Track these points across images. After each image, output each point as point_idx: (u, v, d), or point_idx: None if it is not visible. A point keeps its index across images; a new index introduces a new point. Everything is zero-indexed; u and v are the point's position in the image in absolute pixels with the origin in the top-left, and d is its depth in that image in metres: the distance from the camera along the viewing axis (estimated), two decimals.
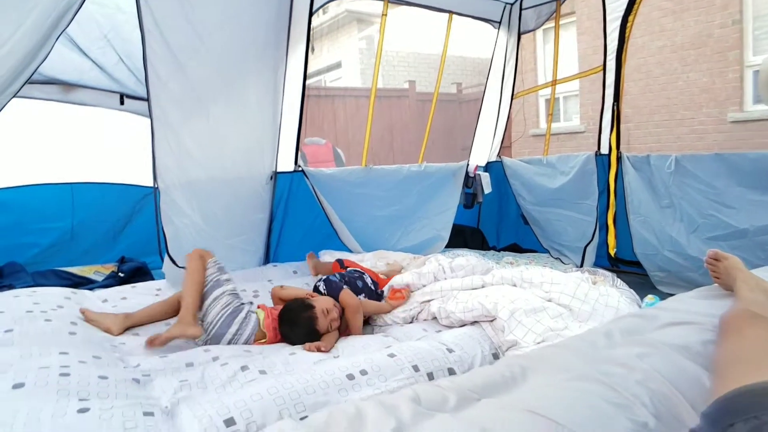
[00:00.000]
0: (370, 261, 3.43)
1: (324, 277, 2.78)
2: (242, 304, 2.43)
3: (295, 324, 2.32)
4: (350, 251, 3.80)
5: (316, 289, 2.71)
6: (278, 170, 3.68)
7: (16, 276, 3.26)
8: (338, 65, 12.85)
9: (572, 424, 0.95)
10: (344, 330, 2.51)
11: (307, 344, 2.19)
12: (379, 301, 2.76)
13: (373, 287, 2.84)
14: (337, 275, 2.82)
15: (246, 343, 2.30)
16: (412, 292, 2.77)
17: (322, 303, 2.41)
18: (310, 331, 2.30)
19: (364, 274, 2.92)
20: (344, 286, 2.62)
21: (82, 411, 1.42)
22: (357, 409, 1.00)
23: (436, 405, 1.04)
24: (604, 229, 3.89)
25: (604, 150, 3.95)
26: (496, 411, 1.01)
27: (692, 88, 6.76)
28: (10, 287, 2.91)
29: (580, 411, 1.00)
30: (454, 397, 1.07)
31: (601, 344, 1.35)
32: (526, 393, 1.10)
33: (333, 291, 2.58)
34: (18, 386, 1.54)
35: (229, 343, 2.28)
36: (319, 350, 2.15)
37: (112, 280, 3.42)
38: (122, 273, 3.55)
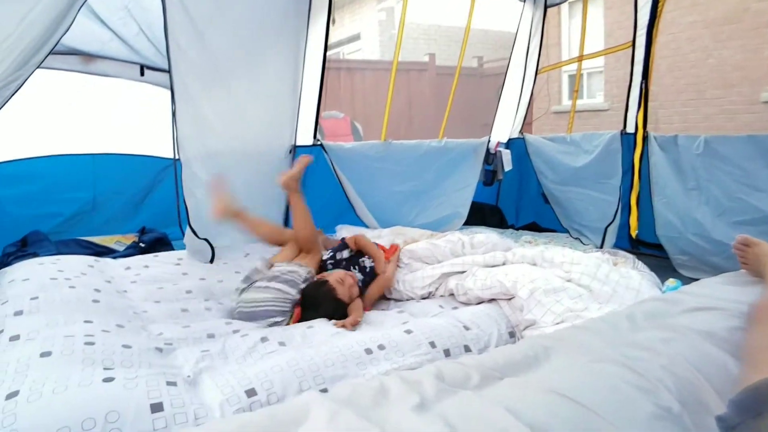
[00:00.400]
0: (387, 237, 3.42)
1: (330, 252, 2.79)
2: (286, 312, 2.32)
3: (318, 304, 2.31)
4: (367, 227, 3.80)
5: (324, 264, 2.72)
6: (297, 144, 3.68)
7: (40, 244, 3.30)
8: (357, 37, 12.71)
9: (595, 406, 0.94)
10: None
11: (338, 323, 2.16)
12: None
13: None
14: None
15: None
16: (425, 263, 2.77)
17: (334, 275, 2.43)
18: (336, 304, 2.30)
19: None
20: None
21: (107, 380, 1.45)
22: (381, 383, 1.01)
23: (458, 382, 1.04)
24: (626, 210, 3.83)
25: (630, 129, 3.87)
26: (519, 390, 1.00)
27: (724, 66, 6.50)
28: (35, 255, 2.94)
29: (603, 393, 0.99)
30: (477, 375, 1.07)
31: (623, 327, 1.34)
32: (549, 373, 1.09)
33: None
34: (45, 354, 1.58)
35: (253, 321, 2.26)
36: (353, 325, 2.14)
37: (133, 250, 3.45)
38: (143, 243, 3.58)
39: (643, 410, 0.96)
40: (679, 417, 0.95)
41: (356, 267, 2.68)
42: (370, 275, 2.67)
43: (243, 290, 2.36)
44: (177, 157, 2.86)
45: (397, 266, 2.76)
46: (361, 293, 2.52)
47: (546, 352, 1.18)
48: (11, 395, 1.35)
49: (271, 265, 2.54)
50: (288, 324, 2.28)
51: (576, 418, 0.92)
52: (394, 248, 2.89)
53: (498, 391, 1.00)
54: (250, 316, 2.25)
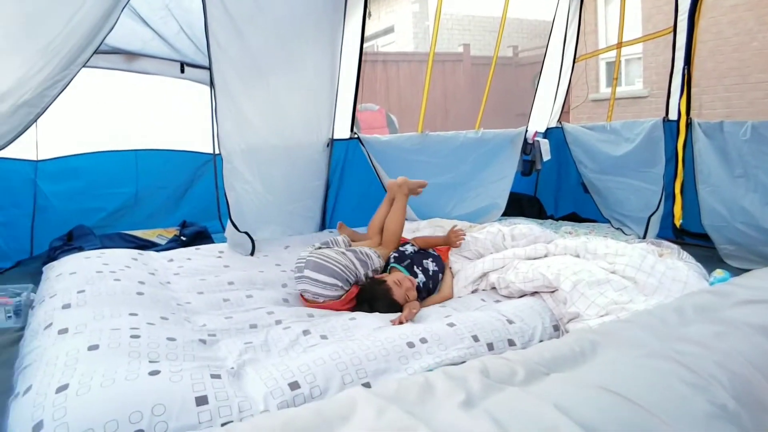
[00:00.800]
0: (426, 230, 3.40)
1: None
2: (347, 283, 2.41)
3: (374, 299, 2.32)
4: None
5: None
6: (335, 137, 3.69)
7: (85, 238, 3.39)
8: (391, 29, 12.65)
9: (648, 404, 0.92)
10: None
11: (394, 320, 2.14)
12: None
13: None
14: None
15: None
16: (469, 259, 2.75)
17: (393, 276, 2.43)
18: (390, 303, 2.30)
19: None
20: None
21: (153, 373, 1.48)
22: (426, 379, 1.00)
23: (504, 378, 1.03)
24: (669, 199, 3.73)
25: (672, 116, 3.76)
26: (568, 387, 0.98)
27: None
28: (80, 249, 3.04)
29: (656, 391, 0.96)
30: (522, 370, 1.05)
31: (672, 321, 1.30)
32: (598, 369, 1.07)
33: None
34: (93, 347, 1.62)
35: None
36: (407, 318, 2.14)
37: (175, 244, 3.51)
38: (184, 237, 3.64)
39: (697, 408, 0.93)
40: (736, 416, 0.91)
41: (420, 267, 2.64)
42: (432, 279, 2.63)
43: (320, 247, 2.52)
44: (217, 152, 2.89)
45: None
46: (420, 294, 2.49)
47: (593, 347, 1.16)
48: (61, 388, 1.38)
49: (350, 245, 2.68)
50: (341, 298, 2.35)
51: (628, 416, 0.89)
52: (446, 251, 2.85)
53: (545, 388, 0.99)
54: (319, 267, 2.33)
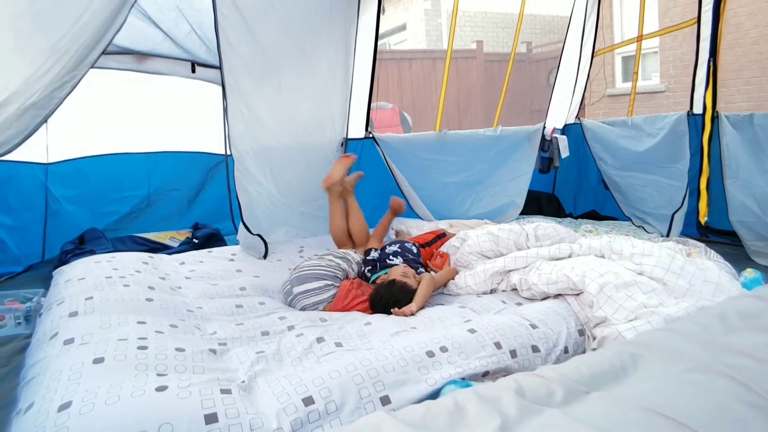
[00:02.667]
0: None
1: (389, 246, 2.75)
2: (337, 278, 2.50)
3: (395, 298, 2.28)
4: (421, 219, 3.71)
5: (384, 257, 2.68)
6: (349, 137, 3.62)
7: (97, 242, 3.37)
8: (403, 27, 12.59)
9: (702, 427, 0.83)
10: None
11: (397, 311, 2.19)
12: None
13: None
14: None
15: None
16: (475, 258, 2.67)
17: (397, 270, 2.44)
18: (411, 294, 2.31)
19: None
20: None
21: (160, 389, 1.41)
22: (455, 402, 0.91)
23: (541, 398, 0.94)
24: (693, 195, 3.62)
25: (697, 109, 3.65)
26: (612, 408, 0.89)
27: None
28: (92, 252, 3.01)
29: (710, 411, 0.87)
30: (561, 389, 0.96)
31: (716, 329, 1.20)
32: (642, 387, 0.98)
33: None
34: (98, 360, 1.56)
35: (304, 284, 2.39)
36: (412, 313, 2.17)
37: (187, 246, 3.49)
38: (196, 239, 3.61)
39: (757, 431, 0.84)
40: None
41: (388, 258, 2.67)
42: (408, 251, 2.72)
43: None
44: (229, 153, 2.84)
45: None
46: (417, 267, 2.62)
47: (634, 361, 1.06)
48: (64, 407, 1.32)
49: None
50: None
51: None
52: (446, 257, 2.80)
53: (587, 409, 0.90)
54: (302, 279, 2.42)
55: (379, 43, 3.56)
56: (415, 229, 3.44)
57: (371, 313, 2.28)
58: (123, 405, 1.33)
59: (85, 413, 1.30)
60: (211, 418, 1.34)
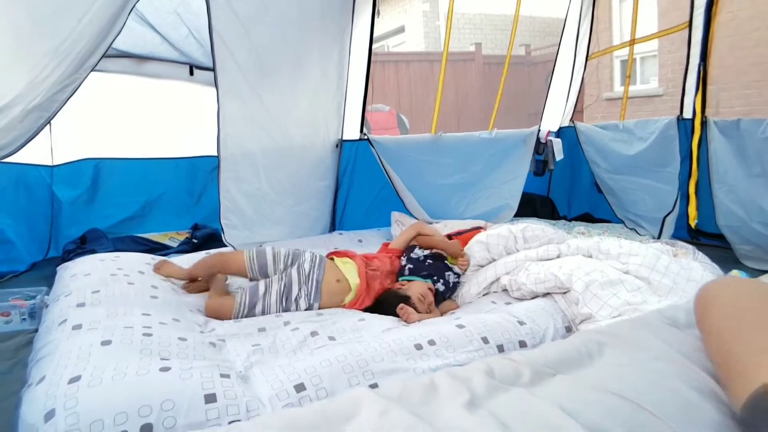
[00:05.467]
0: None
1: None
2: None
3: (394, 314, 2.30)
4: (417, 220, 3.78)
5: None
6: (344, 138, 3.68)
7: (99, 242, 3.43)
8: (401, 29, 12.66)
9: (655, 409, 0.89)
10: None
11: (404, 308, 2.22)
12: None
13: None
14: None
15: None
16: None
17: (417, 289, 2.40)
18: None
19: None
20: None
21: (164, 369, 1.50)
22: (431, 380, 0.99)
23: (509, 379, 1.01)
24: (684, 199, 3.68)
25: (687, 114, 3.70)
26: (574, 389, 0.97)
27: None
28: (93, 252, 3.07)
29: (663, 395, 0.94)
30: (528, 371, 1.04)
31: (682, 322, 1.27)
32: (604, 371, 1.05)
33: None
34: (106, 342, 1.65)
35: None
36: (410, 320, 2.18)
37: (186, 246, 3.55)
38: (196, 239, 3.66)
39: (704, 415, 0.91)
40: (747, 424, 0.89)
41: (441, 280, 2.60)
42: (452, 290, 2.63)
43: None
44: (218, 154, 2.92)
45: None
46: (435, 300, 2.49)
47: (600, 348, 1.13)
48: (73, 379, 1.41)
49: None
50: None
51: (635, 420, 0.87)
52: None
53: (551, 389, 0.97)
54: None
55: (378, 45, 3.62)
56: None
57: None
58: (128, 381, 1.43)
59: (93, 386, 1.39)
60: (210, 398, 1.42)
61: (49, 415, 1.31)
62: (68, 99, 2.18)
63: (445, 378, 0.99)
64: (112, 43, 2.24)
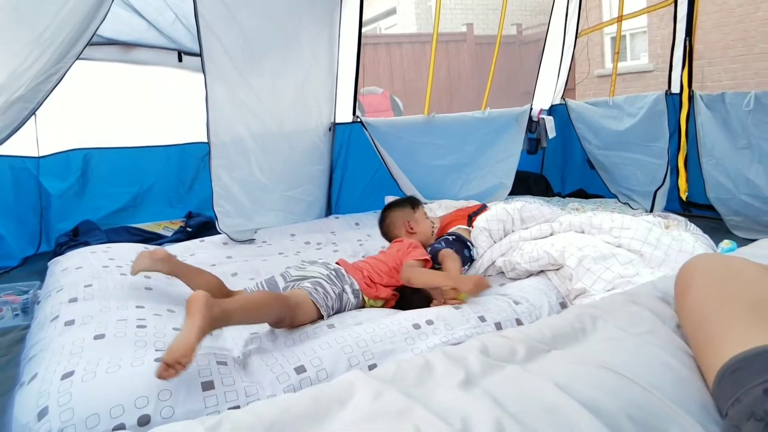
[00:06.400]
0: (440, 211, 3.38)
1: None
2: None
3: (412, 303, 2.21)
4: None
5: None
6: (337, 121, 3.67)
7: (92, 234, 3.40)
8: (393, 11, 12.57)
9: (648, 384, 0.91)
10: None
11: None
12: None
13: None
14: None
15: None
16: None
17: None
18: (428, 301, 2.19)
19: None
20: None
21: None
22: (425, 360, 0.99)
23: (504, 356, 1.02)
24: (674, 172, 3.71)
25: (675, 89, 3.73)
26: (569, 365, 0.97)
27: None
28: (86, 244, 3.02)
29: (656, 370, 0.95)
30: (523, 348, 1.04)
31: (672, 294, 1.29)
32: (598, 346, 1.06)
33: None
34: (99, 336, 1.63)
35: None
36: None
37: (181, 235, 3.53)
38: (190, 228, 3.65)
39: (694, 390, 0.92)
40: None
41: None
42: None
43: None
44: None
45: None
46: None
47: (593, 323, 1.14)
48: (66, 375, 1.39)
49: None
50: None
51: (629, 395, 0.88)
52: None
53: (546, 365, 0.98)
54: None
55: (370, 27, 3.60)
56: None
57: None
58: (123, 373, 1.40)
59: (87, 380, 1.37)
60: (207, 386, 1.41)
61: (43, 413, 1.28)
62: (53, 89, 2.14)
63: (440, 357, 1.00)
64: (96, 30, 2.19)
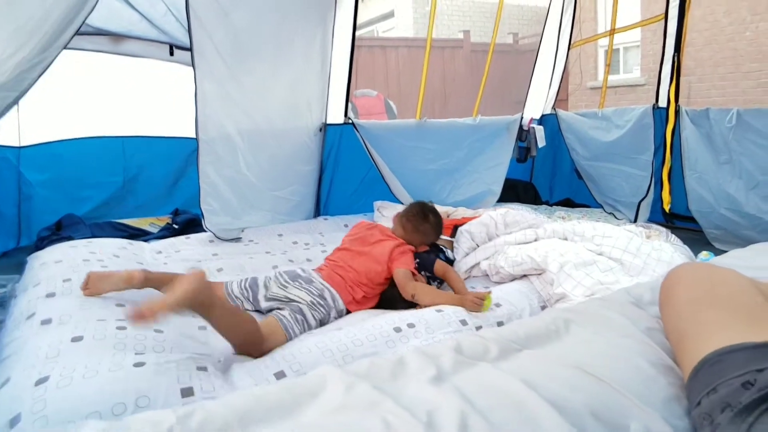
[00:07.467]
0: None
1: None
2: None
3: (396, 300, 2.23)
4: (402, 204, 3.79)
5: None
6: (328, 122, 3.68)
7: (75, 228, 3.34)
8: (391, 14, 12.60)
9: (615, 383, 0.93)
10: None
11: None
12: None
13: None
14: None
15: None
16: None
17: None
18: (405, 304, 2.19)
19: None
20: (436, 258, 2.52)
21: (138, 365, 1.44)
22: (399, 357, 1.01)
23: (477, 355, 1.04)
24: (659, 184, 3.77)
25: (663, 103, 3.79)
26: (539, 364, 1.00)
27: (761, 39, 6.40)
28: (69, 238, 2.96)
29: (623, 370, 0.98)
30: (496, 347, 1.07)
31: (646, 300, 1.32)
32: (570, 347, 1.08)
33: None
34: (77, 339, 1.57)
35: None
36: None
37: (167, 232, 3.49)
38: (176, 225, 3.62)
39: (659, 388, 0.95)
40: None
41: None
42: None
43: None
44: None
45: None
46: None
47: (567, 325, 1.17)
48: (41, 381, 1.34)
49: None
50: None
51: (595, 393, 0.90)
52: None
53: (516, 364, 1.00)
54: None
55: (367, 30, 3.61)
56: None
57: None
58: (100, 379, 1.36)
59: (62, 387, 1.32)
60: (187, 392, 1.38)
61: (15, 420, 1.23)
62: (38, 78, 2.08)
63: (414, 355, 1.01)
64: (85, 20, 2.15)
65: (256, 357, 1.69)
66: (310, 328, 1.97)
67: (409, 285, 2.18)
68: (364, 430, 0.77)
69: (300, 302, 2.02)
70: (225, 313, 1.70)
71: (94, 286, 1.92)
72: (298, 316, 1.95)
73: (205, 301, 1.58)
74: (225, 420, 0.82)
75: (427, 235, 2.59)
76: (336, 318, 2.11)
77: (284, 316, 1.92)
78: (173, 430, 0.79)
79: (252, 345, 1.73)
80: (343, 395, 0.87)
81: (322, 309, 2.05)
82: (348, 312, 2.17)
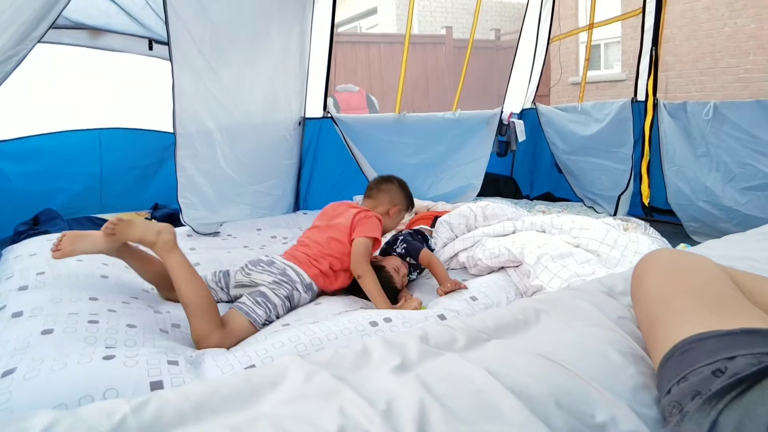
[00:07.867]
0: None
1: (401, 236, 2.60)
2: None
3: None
4: None
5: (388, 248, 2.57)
6: (307, 116, 3.66)
7: (52, 222, 3.32)
8: (374, 11, 12.58)
9: (581, 371, 0.93)
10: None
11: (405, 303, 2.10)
12: None
13: None
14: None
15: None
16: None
17: (391, 262, 2.33)
18: (389, 290, 2.19)
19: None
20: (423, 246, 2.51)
21: (107, 358, 1.42)
22: (364, 346, 1.00)
23: (443, 344, 1.03)
24: (638, 178, 3.79)
25: (641, 97, 3.82)
26: (504, 353, 0.99)
27: (739, 35, 6.50)
28: (46, 233, 2.94)
29: (591, 358, 0.97)
30: (463, 337, 1.06)
31: (618, 290, 1.32)
32: (536, 336, 1.08)
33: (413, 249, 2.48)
34: (47, 332, 1.55)
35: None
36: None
37: None
38: (155, 219, 3.61)
39: (627, 377, 0.95)
40: None
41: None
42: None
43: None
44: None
45: None
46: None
47: (536, 315, 1.16)
48: (7, 373, 1.32)
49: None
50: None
51: (560, 381, 0.90)
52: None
53: (482, 353, 0.99)
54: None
55: (350, 26, 3.60)
56: None
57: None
58: (68, 371, 1.34)
59: (29, 378, 1.30)
60: (156, 385, 1.36)
61: None
62: (12, 71, 2.04)
63: (379, 344, 1.00)
64: (61, 12, 2.11)
65: (221, 344, 1.77)
66: (276, 307, 1.99)
67: (361, 264, 2.14)
68: (319, 418, 0.76)
69: (261, 284, 2.04)
70: (184, 262, 1.86)
71: (69, 245, 1.86)
72: (259, 299, 1.97)
73: (166, 248, 1.84)
74: (180, 409, 0.80)
75: (392, 193, 2.56)
76: (307, 294, 2.11)
77: (242, 303, 1.95)
78: (126, 420, 0.77)
79: (206, 312, 1.80)
80: (301, 384, 0.86)
81: (286, 285, 2.05)
82: (323, 292, 2.18)
